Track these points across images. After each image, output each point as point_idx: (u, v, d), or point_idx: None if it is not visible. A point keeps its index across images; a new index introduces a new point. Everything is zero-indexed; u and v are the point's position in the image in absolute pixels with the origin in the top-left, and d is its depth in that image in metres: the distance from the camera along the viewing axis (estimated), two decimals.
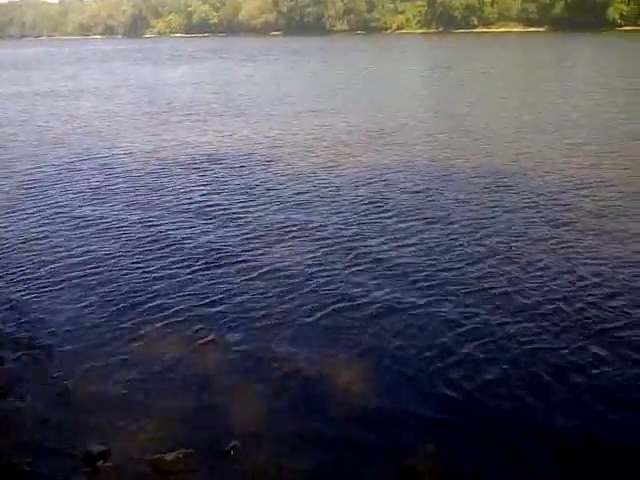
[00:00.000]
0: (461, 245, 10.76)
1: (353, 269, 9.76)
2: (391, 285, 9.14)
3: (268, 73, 50.85)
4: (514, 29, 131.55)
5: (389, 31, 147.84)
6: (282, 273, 9.64)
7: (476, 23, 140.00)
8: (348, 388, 6.66)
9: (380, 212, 12.72)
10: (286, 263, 10.03)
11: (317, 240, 11.13)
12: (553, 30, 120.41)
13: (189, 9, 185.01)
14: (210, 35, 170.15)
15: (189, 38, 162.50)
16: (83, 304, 8.73)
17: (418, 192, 14.11)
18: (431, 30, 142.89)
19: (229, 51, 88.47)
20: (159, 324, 8.07)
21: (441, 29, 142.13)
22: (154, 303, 8.68)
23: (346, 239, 11.13)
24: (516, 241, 10.90)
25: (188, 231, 11.81)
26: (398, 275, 9.51)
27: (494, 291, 8.88)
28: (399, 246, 10.73)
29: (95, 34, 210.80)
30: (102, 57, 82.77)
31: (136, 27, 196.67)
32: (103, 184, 15.58)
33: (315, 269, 9.78)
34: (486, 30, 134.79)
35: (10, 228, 12.30)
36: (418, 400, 6.45)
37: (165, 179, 15.96)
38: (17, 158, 18.87)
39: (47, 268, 10.09)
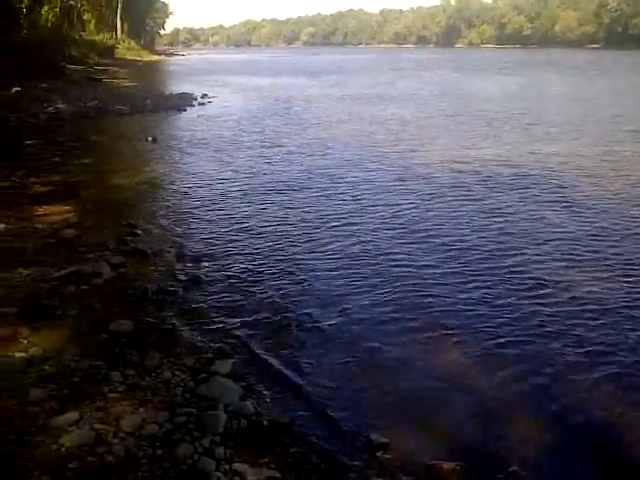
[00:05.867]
0: None
1: None
2: None
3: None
4: None
5: None
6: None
7: None
8: None
9: None
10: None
11: None
12: None
13: (503, 20, 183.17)
14: (521, 47, 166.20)
15: (500, 49, 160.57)
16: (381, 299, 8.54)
17: None
18: None
19: (551, 63, 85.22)
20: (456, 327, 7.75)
21: None
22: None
23: None
24: None
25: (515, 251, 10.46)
26: None
27: None
28: None
29: (409, 43, 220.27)
30: (417, 65, 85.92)
31: (448, 37, 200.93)
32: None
33: None
34: None
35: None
36: None
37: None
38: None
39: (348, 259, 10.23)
